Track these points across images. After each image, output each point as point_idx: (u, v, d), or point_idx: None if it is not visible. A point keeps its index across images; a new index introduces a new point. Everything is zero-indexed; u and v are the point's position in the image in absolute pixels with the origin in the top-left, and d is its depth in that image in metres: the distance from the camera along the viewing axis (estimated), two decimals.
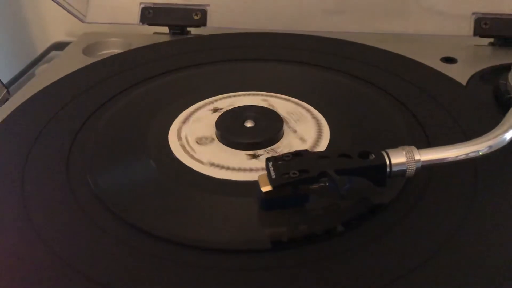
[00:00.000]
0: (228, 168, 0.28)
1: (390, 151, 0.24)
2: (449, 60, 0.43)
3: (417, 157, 0.24)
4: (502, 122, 0.27)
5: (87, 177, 0.28)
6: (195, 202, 0.27)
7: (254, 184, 0.25)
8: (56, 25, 0.57)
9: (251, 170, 0.28)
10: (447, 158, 0.25)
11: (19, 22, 0.58)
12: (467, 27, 0.45)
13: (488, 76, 0.40)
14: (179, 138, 0.31)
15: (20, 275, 0.22)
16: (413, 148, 0.24)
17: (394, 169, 0.24)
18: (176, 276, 0.22)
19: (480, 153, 0.25)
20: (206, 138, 0.31)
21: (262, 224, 0.25)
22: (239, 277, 0.22)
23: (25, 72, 0.48)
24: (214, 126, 0.31)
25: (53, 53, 0.52)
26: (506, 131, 0.26)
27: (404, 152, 0.24)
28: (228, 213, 0.26)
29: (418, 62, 0.40)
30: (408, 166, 0.24)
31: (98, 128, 0.32)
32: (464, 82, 0.39)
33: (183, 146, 0.30)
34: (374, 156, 0.24)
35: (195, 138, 0.31)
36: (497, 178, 0.27)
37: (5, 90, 0.42)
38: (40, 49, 0.54)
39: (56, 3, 0.47)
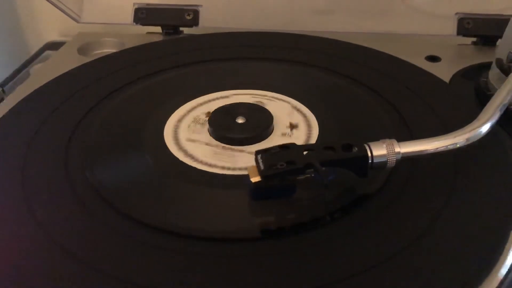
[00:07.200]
0: (219, 162, 0.29)
1: (371, 144, 0.26)
2: (433, 58, 0.44)
3: (397, 149, 0.25)
4: (478, 116, 0.28)
5: (85, 172, 0.29)
6: (188, 194, 0.28)
7: (245, 177, 0.26)
8: (50, 25, 0.58)
9: (241, 163, 0.29)
10: (426, 150, 0.26)
11: (13, 21, 0.58)
12: (451, 27, 0.46)
13: (471, 74, 0.41)
14: (174, 134, 0.32)
15: (20, 266, 0.23)
16: (394, 141, 0.26)
17: (375, 160, 0.25)
18: (170, 264, 0.23)
19: (458, 145, 0.26)
20: (199, 134, 0.32)
21: (251, 214, 0.26)
22: (229, 264, 0.23)
23: (20, 71, 0.49)
24: (207, 123, 0.32)
25: (47, 52, 0.53)
26: (482, 124, 0.27)
27: (384, 145, 0.25)
28: (220, 203, 0.27)
29: (403, 60, 0.41)
30: (388, 158, 0.25)
31: (94, 126, 0.33)
32: (447, 80, 0.40)
33: (177, 142, 0.31)
34: (356, 148, 0.25)
35: (188, 134, 0.32)
36: (475, 169, 0.29)
37: (0, 89, 0.42)
38: (34, 49, 0.54)
39: (51, 3, 0.48)
